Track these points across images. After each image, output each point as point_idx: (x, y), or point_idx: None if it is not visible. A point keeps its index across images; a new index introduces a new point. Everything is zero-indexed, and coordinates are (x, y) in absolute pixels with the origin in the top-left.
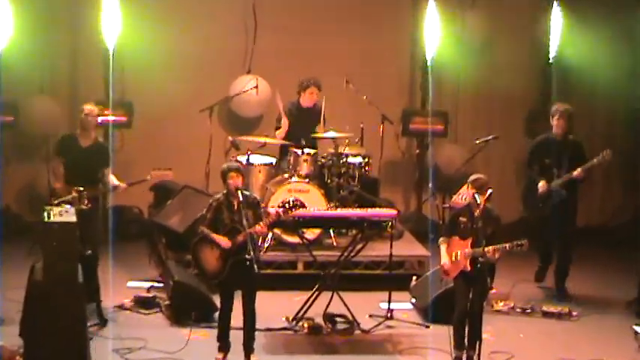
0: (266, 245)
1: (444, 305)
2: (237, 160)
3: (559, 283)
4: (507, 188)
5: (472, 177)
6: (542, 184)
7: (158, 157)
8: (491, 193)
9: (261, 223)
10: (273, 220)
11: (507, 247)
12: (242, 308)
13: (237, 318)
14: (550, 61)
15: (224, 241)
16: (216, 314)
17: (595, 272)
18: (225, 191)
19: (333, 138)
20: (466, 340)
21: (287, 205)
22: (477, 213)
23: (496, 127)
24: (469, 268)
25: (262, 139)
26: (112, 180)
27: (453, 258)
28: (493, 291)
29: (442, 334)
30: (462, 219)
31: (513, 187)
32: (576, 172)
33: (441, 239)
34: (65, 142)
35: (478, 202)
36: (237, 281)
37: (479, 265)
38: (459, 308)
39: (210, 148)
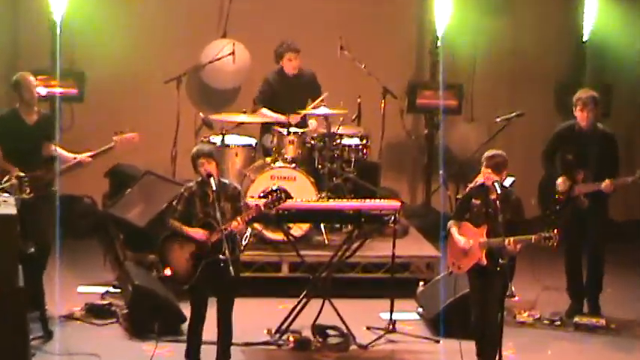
0: (244, 243)
1: (458, 315)
2: (209, 142)
3: (592, 299)
4: (534, 176)
5: (488, 153)
6: (561, 181)
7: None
8: (513, 182)
9: (238, 218)
10: (253, 214)
11: (533, 240)
12: (216, 319)
13: (209, 330)
14: (583, 34)
15: (199, 233)
16: (185, 326)
17: (636, 275)
18: (199, 179)
19: (324, 115)
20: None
21: (269, 196)
22: (493, 196)
23: (520, 102)
24: (485, 262)
25: (240, 117)
26: (66, 155)
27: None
28: (516, 298)
29: (454, 350)
30: (475, 201)
31: (540, 175)
32: (605, 185)
33: (451, 222)
34: (5, 119)
35: (495, 185)
36: (210, 286)
37: (500, 262)
38: (476, 312)
39: (178, 126)
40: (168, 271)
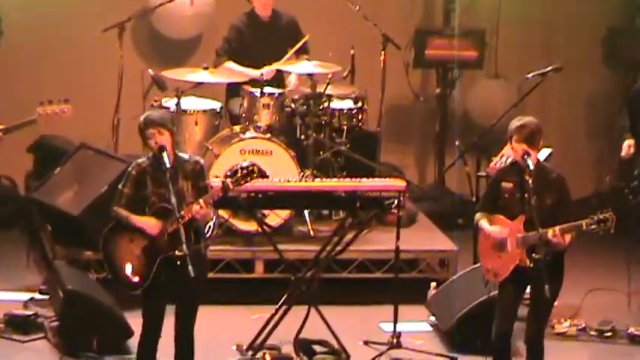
0: (207, 235)
1: (479, 326)
2: (161, 106)
3: None
4: (575, 147)
5: (518, 122)
6: (627, 145)
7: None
8: (550, 154)
9: (200, 200)
10: (217, 196)
11: (584, 226)
12: (174, 332)
13: (165, 347)
14: None
15: (150, 224)
16: (132, 341)
17: None
18: (151, 154)
19: (309, 74)
20: None
21: (238, 174)
22: (527, 177)
23: (557, 53)
24: (528, 263)
25: (200, 74)
26: None
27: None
28: (554, 303)
29: None
30: (506, 185)
31: (584, 146)
32: None
33: (478, 215)
34: None
35: (528, 161)
36: (168, 291)
37: (533, 262)
38: (501, 326)
39: (120, 87)
40: (129, 268)
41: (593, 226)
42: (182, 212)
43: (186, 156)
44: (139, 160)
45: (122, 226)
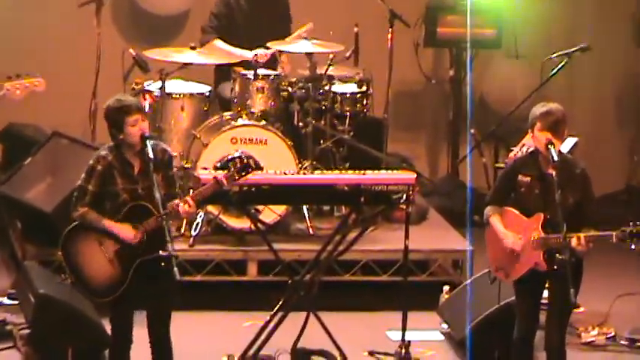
0: (193, 233)
1: (496, 334)
2: (143, 90)
3: None
4: (604, 136)
5: (541, 108)
6: None
7: None
8: (576, 143)
9: (187, 197)
10: (210, 192)
11: (614, 238)
12: (149, 339)
13: (141, 356)
14: None
15: (126, 233)
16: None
17: None
18: (112, 144)
19: (307, 53)
20: None
21: (232, 167)
22: (550, 170)
23: (584, 30)
24: (545, 267)
25: (187, 55)
26: None
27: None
28: (580, 310)
29: None
30: (524, 179)
31: (614, 135)
32: None
33: (489, 209)
34: None
35: (552, 151)
36: (140, 296)
37: (557, 264)
38: (521, 331)
39: (98, 68)
40: (99, 274)
41: (624, 240)
42: (167, 209)
43: (156, 143)
44: (102, 153)
45: (87, 227)
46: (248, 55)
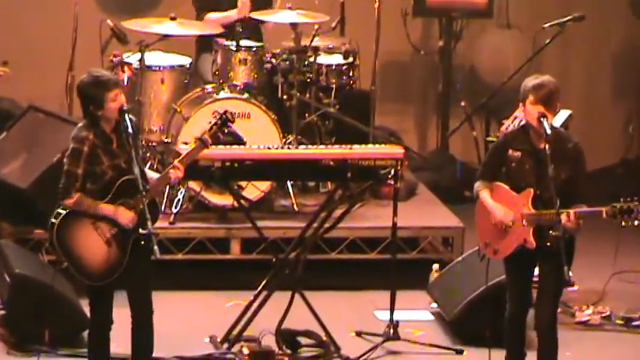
0: (174, 210)
1: (488, 314)
2: (122, 62)
3: None
4: (599, 109)
5: (532, 81)
6: None
7: None
8: (570, 116)
9: (175, 162)
10: (197, 153)
11: (605, 214)
12: (132, 322)
13: (121, 337)
14: None
15: (125, 217)
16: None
17: None
18: (87, 122)
19: (292, 24)
20: None
21: (213, 125)
22: (541, 144)
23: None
24: (533, 244)
25: (167, 25)
26: None
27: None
28: (574, 288)
29: None
30: (514, 153)
31: (609, 108)
32: None
33: (478, 184)
34: None
35: (544, 125)
36: (120, 275)
37: (550, 240)
38: (511, 309)
39: (75, 40)
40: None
41: (614, 216)
42: (148, 186)
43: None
44: (83, 133)
45: (79, 211)
46: (232, 13)
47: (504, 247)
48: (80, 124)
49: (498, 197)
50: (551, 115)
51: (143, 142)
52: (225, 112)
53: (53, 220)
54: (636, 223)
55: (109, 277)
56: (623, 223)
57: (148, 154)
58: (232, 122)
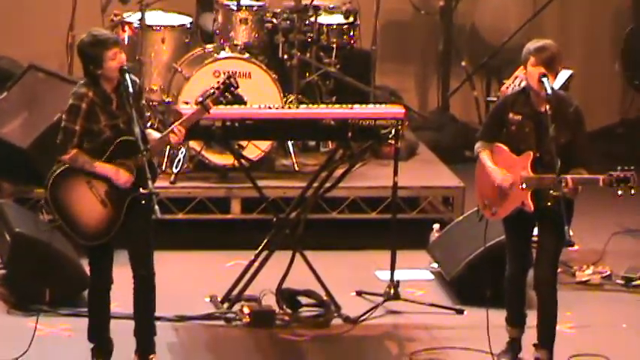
0: (175, 170)
1: (488, 273)
2: (122, 22)
3: None
4: (600, 69)
5: (534, 44)
6: None
7: None
8: (571, 76)
9: (174, 127)
10: (197, 117)
11: (601, 182)
12: (133, 280)
13: (123, 297)
14: None
15: (121, 177)
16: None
17: None
18: (87, 80)
19: None
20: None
21: (215, 89)
22: (542, 107)
23: None
24: (531, 207)
25: None
26: None
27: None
28: (574, 248)
29: (484, 323)
30: (515, 116)
31: (610, 68)
32: None
33: (479, 144)
34: None
35: (545, 85)
36: (120, 234)
37: (548, 203)
38: (511, 269)
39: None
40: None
41: (610, 184)
42: (149, 145)
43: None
44: (82, 90)
45: (74, 169)
46: None
47: (503, 208)
48: (81, 82)
49: (498, 159)
50: (552, 77)
51: (144, 102)
52: (229, 77)
53: (48, 178)
54: (632, 192)
55: (103, 238)
56: (620, 192)
57: (149, 114)
58: (236, 88)
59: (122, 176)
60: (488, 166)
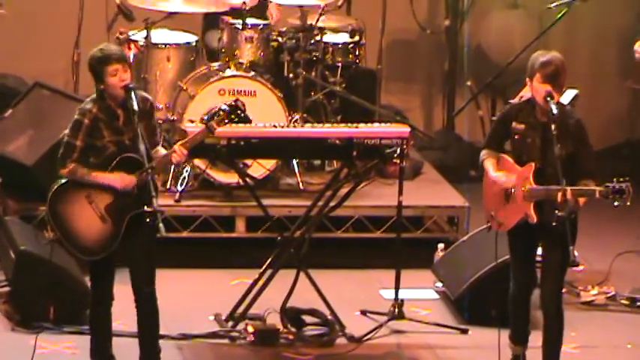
0: (180, 188)
1: (493, 293)
2: (128, 39)
3: None
4: (605, 89)
5: (540, 58)
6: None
7: None
8: (576, 95)
9: (176, 146)
10: (201, 138)
11: (597, 193)
12: (135, 298)
13: (127, 316)
14: None
15: (118, 180)
16: None
17: None
18: (95, 96)
19: (298, 4)
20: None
21: (222, 112)
22: (545, 119)
23: None
24: (534, 219)
25: (173, 3)
26: None
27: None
28: (579, 268)
29: (490, 343)
30: (518, 126)
31: (616, 88)
32: None
33: (484, 152)
34: None
35: (552, 105)
36: (122, 251)
37: (557, 215)
38: (515, 288)
39: (81, 17)
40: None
41: (607, 195)
42: (153, 162)
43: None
44: (87, 106)
45: (74, 183)
46: (237, 1)
47: (508, 219)
48: (90, 97)
49: (503, 169)
50: (558, 93)
51: (156, 120)
52: (237, 100)
53: (49, 192)
54: (628, 203)
55: (102, 253)
56: (616, 203)
57: None
58: (243, 112)
59: (119, 180)
60: (490, 172)
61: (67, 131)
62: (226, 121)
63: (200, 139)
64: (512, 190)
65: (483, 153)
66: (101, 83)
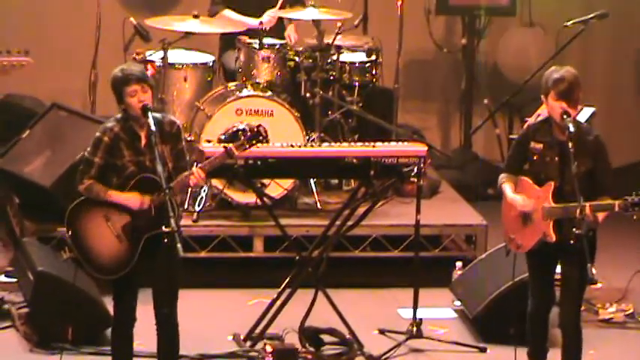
0: (197, 209)
1: (511, 311)
2: (145, 60)
3: None
4: (623, 107)
5: (554, 74)
6: None
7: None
8: (594, 113)
9: (195, 169)
10: (219, 162)
11: (617, 207)
12: (155, 320)
13: (146, 335)
14: None
15: (133, 201)
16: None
17: None
18: (120, 116)
19: (314, 20)
20: None
21: (241, 136)
22: (563, 137)
23: None
24: (553, 238)
25: (190, 23)
26: None
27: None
28: (597, 286)
29: None
30: (537, 146)
31: (633, 106)
32: None
33: (503, 176)
34: None
35: (567, 124)
36: (144, 272)
37: (575, 233)
38: (534, 306)
39: (98, 38)
40: (107, 251)
41: (626, 209)
42: (172, 183)
43: (159, 115)
44: (109, 125)
45: (93, 201)
46: (254, 22)
47: (526, 241)
48: (113, 117)
49: (522, 191)
50: (574, 109)
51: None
52: (260, 125)
53: (67, 210)
54: None
55: (117, 273)
56: (635, 217)
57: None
58: (265, 138)
59: (134, 200)
60: (508, 195)
61: (88, 148)
62: (247, 146)
63: (219, 163)
64: (530, 213)
65: (502, 176)
66: (122, 103)
